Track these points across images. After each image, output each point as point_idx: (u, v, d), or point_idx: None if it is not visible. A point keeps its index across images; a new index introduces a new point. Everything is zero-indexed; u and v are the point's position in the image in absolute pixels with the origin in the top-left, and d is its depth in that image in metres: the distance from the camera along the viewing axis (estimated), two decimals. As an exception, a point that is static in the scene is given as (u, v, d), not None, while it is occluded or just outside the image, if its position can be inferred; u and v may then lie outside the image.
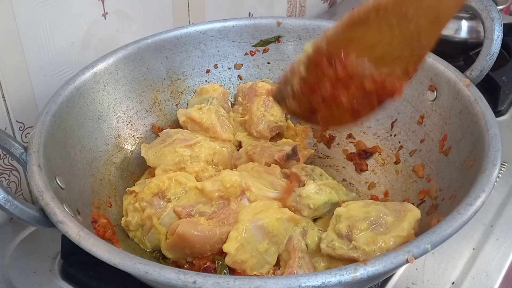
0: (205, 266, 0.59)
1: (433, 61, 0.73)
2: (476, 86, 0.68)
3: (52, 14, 0.72)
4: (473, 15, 0.97)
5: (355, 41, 0.54)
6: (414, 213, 0.61)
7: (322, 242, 0.61)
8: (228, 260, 0.59)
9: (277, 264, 0.62)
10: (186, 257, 0.63)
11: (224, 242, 0.60)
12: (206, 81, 0.85)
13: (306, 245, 0.63)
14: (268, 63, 0.86)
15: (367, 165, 0.80)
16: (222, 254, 0.60)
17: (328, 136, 0.84)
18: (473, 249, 0.72)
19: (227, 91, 0.85)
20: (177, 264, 0.64)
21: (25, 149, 0.58)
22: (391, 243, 0.56)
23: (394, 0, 0.52)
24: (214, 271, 0.59)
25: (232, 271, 0.59)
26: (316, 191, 0.66)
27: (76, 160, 0.67)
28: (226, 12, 1.01)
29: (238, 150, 0.79)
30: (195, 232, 0.60)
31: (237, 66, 0.85)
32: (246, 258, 0.59)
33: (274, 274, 0.60)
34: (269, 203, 0.65)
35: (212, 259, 0.61)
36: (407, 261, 0.47)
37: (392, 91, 0.54)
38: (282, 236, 0.62)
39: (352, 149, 0.82)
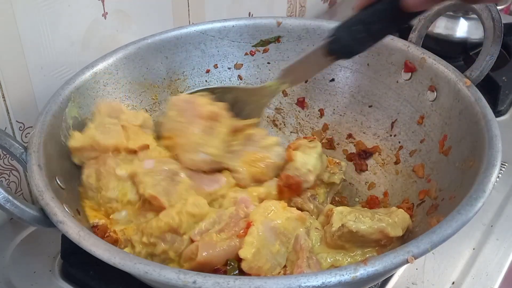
0: (215, 268, 0.57)
1: (433, 61, 0.73)
2: (476, 86, 0.68)
3: (52, 14, 0.72)
4: (473, 15, 0.97)
5: None
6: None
7: (347, 221, 0.60)
8: (245, 266, 0.57)
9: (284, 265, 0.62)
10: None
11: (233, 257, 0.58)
12: (206, 81, 0.85)
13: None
14: (268, 63, 0.86)
15: (367, 165, 0.80)
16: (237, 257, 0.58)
17: (327, 140, 0.84)
18: (473, 249, 0.72)
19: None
20: None
21: (25, 149, 0.58)
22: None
23: None
24: (224, 273, 0.57)
25: (242, 274, 0.57)
26: (304, 154, 0.68)
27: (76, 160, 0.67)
28: (226, 12, 1.01)
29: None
30: (216, 252, 0.58)
31: (237, 66, 0.85)
32: (263, 263, 0.57)
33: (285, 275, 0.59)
34: (277, 202, 0.64)
35: (226, 262, 0.59)
36: (407, 261, 0.47)
37: None
38: (291, 235, 0.61)
39: (352, 149, 0.82)
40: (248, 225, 0.60)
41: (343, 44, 0.62)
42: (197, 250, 0.57)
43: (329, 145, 0.84)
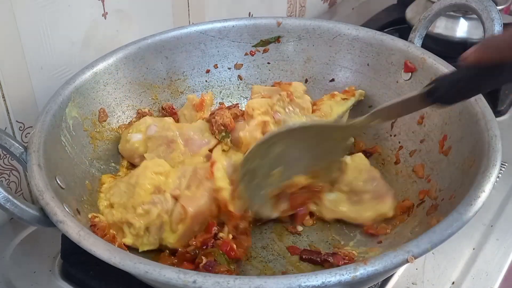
0: (205, 263, 0.59)
1: (433, 61, 0.73)
2: (476, 86, 0.68)
3: (52, 14, 0.72)
4: (473, 15, 0.97)
5: None
6: (384, 208, 0.68)
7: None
8: (226, 195, 0.65)
9: None
10: (192, 237, 0.64)
11: (217, 202, 0.65)
12: (206, 81, 0.85)
13: None
14: (268, 63, 0.86)
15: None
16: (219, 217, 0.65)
17: None
18: (473, 249, 0.72)
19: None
20: (177, 252, 0.63)
21: (25, 149, 0.58)
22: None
23: None
24: (215, 262, 0.59)
25: (229, 256, 0.61)
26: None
27: (76, 160, 0.67)
28: (226, 12, 1.01)
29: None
30: (201, 202, 0.64)
31: (237, 66, 0.85)
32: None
33: None
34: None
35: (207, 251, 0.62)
36: (407, 261, 0.47)
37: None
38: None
39: (352, 149, 0.82)
40: (212, 164, 0.67)
41: (444, 93, 0.58)
42: (184, 209, 0.63)
43: None
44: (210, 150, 0.72)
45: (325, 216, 0.70)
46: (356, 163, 0.72)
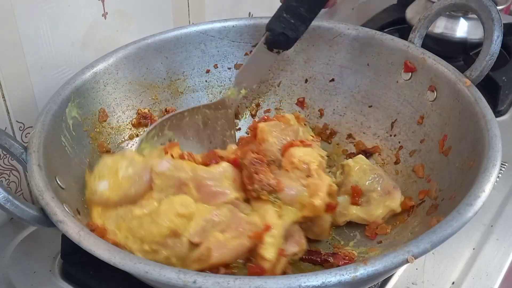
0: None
1: (433, 61, 0.73)
2: (476, 86, 0.68)
3: (52, 14, 0.72)
4: (473, 15, 0.97)
5: None
6: (394, 203, 0.68)
7: None
8: (268, 267, 0.58)
9: None
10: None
11: (250, 249, 0.59)
12: (206, 81, 0.85)
13: None
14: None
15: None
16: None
17: (329, 132, 0.84)
18: (473, 249, 0.72)
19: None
20: None
21: (25, 149, 0.58)
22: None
23: None
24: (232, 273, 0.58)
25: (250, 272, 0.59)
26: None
27: (76, 160, 0.67)
28: (226, 12, 1.01)
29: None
30: (229, 252, 0.58)
31: (237, 66, 0.85)
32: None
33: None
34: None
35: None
36: (407, 261, 0.47)
37: None
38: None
39: (352, 149, 0.82)
40: (267, 229, 0.60)
41: (277, 35, 0.66)
42: (208, 252, 0.58)
43: (329, 139, 0.84)
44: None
45: (338, 221, 0.69)
46: (359, 164, 0.73)
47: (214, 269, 0.58)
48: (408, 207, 0.68)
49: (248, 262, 0.60)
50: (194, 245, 0.59)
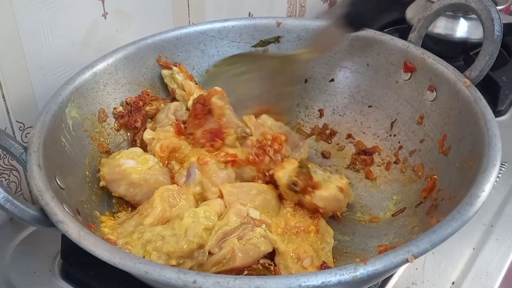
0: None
1: (433, 61, 0.73)
2: (476, 86, 0.68)
3: (52, 14, 0.72)
4: (473, 15, 0.97)
5: None
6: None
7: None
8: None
9: None
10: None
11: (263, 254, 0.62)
12: (206, 81, 0.85)
13: None
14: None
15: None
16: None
17: (329, 132, 0.84)
18: (473, 249, 0.72)
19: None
20: None
21: (25, 149, 0.58)
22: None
23: None
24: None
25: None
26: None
27: (76, 160, 0.67)
28: (226, 12, 1.01)
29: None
30: (250, 255, 0.61)
31: (237, 66, 0.85)
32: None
33: None
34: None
35: None
36: (407, 261, 0.47)
37: None
38: None
39: (351, 149, 0.82)
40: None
41: (361, 16, 0.67)
42: (231, 255, 0.60)
43: (328, 139, 0.84)
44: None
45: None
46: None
47: (233, 272, 0.60)
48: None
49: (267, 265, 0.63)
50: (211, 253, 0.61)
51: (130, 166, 0.67)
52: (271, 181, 0.70)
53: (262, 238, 0.63)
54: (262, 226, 0.64)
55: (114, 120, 0.75)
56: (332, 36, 0.72)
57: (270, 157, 0.69)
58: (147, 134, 0.72)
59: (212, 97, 0.71)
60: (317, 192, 0.66)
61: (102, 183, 0.68)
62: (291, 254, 0.62)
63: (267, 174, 0.69)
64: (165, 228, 0.60)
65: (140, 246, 0.59)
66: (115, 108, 0.75)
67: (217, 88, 0.74)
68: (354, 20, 0.68)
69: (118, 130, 0.76)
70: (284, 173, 0.67)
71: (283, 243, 0.63)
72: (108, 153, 0.73)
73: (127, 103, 0.76)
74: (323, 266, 0.61)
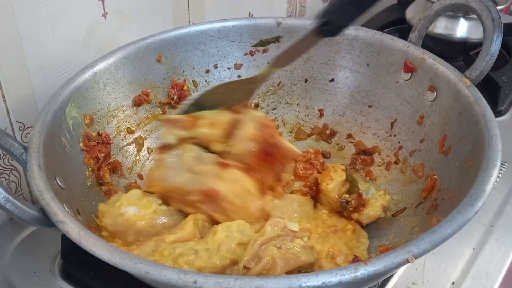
0: None
1: (433, 61, 0.73)
2: (476, 86, 0.68)
3: (52, 14, 0.72)
4: (473, 15, 0.97)
5: None
6: None
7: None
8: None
9: None
10: None
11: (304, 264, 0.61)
12: (206, 81, 0.85)
13: None
14: (268, 63, 0.85)
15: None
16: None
17: (329, 132, 0.84)
18: (473, 249, 0.72)
19: None
20: None
21: (25, 149, 0.58)
22: None
23: None
24: None
25: None
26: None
27: (76, 160, 0.67)
28: (226, 12, 1.01)
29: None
30: (291, 264, 0.60)
31: (237, 66, 0.85)
32: None
33: None
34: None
35: None
36: (407, 261, 0.47)
37: None
38: None
39: (351, 149, 0.82)
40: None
41: (337, 26, 0.64)
42: (271, 264, 0.58)
43: (328, 139, 0.84)
44: None
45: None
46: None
47: None
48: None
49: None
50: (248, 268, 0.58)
51: (133, 213, 0.63)
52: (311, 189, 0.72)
53: (302, 249, 0.61)
54: (304, 239, 0.63)
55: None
56: (302, 47, 0.70)
57: (318, 171, 0.73)
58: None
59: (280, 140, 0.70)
60: (365, 211, 0.67)
61: (104, 233, 0.63)
62: (327, 253, 0.62)
63: (312, 186, 0.72)
64: (197, 243, 0.58)
65: (171, 261, 0.56)
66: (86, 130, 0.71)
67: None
68: (332, 31, 0.65)
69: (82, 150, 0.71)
70: (334, 186, 0.68)
71: (319, 243, 0.63)
72: (107, 153, 0.73)
73: (98, 135, 0.72)
74: (355, 260, 0.61)
